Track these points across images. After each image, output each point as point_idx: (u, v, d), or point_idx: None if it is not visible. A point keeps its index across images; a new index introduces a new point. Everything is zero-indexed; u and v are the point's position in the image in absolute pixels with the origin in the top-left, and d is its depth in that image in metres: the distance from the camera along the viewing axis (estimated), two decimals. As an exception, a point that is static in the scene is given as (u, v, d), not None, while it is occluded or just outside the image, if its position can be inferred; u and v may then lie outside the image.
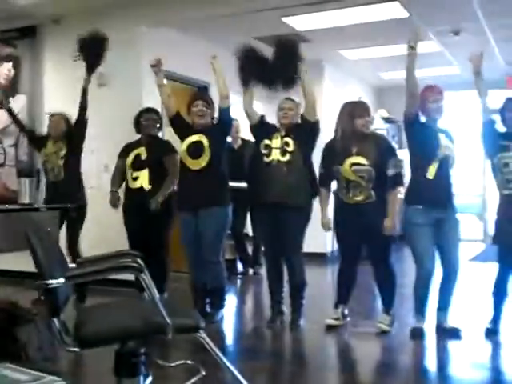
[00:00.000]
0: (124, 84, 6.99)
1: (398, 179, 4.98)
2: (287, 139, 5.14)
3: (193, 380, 2.70)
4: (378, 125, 9.91)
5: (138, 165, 5.83)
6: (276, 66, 5.08)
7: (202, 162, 5.25)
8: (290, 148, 5.11)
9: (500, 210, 4.89)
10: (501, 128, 4.95)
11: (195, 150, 5.28)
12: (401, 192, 5.05)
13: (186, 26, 7.31)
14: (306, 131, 5.14)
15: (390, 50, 8.61)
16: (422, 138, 4.84)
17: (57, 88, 7.49)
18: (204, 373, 2.71)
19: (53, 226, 5.29)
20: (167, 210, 5.75)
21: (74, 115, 6.07)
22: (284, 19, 7.12)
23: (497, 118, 4.94)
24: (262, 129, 5.33)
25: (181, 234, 5.50)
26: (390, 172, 4.91)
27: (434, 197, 4.78)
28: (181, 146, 5.40)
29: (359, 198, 4.94)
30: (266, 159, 5.16)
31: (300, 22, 7.32)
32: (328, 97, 9.26)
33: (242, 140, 7.91)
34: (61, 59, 7.29)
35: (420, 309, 4.98)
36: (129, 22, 6.91)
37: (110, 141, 6.63)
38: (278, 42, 5.15)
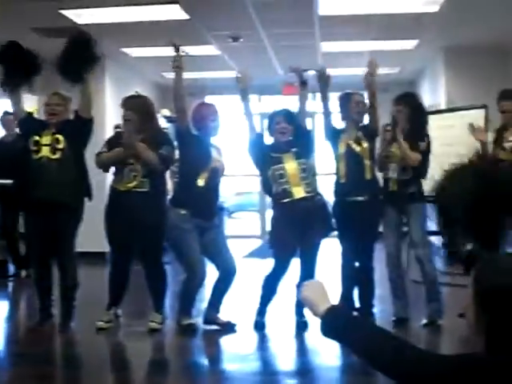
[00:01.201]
0: None
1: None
2: (58, 136, 4.98)
3: None
4: (162, 123, 9.94)
5: None
6: (64, 60, 4.90)
7: None
8: (61, 145, 4.97)
9: (277, 217, 5.12)
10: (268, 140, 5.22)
11: None
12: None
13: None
14: (78, 128, 5.02)
15: (173, 50, 8.66)
16: (195, 149, 4.96)
17: None
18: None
19: None
20: None
21: None
22: (63, 11, 6.89)
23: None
24: (30, 124, 5.13)
25: None
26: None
27: (202, 204, 4.91)
28: None
29: (131, 185, 4.88)
30: (35, 156, 4.98)
31: (80, 16, 7.13)
32: (110, 93, 9.13)
33: (18, 135, 7.53)
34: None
35: (189, 309, 5.05)
36: None
37: None
38: (71, 36, 4.99)
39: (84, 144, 5.10)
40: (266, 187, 5.20)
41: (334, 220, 5.24)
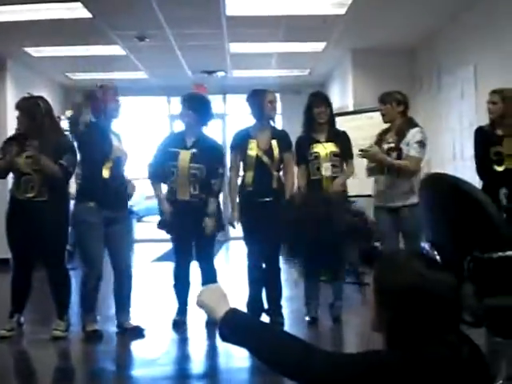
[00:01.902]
0: None
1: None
2: None
3: None
4: (65, 126, 9.67)
5: None
6: None
7: None
8: None
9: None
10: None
11: None
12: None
13: None
14: None
15: (77, 50, 8.46)
16: (95, 141, 4.81)
17: None
18: None
19: None
20: None
21: None
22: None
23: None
24: None
25: None
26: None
27: (109, 195, 4.79)
28: None
29: (29, 195, 4.75)
30: None
31: (-22, 14, 6.84)
32: (12, 94, 8.79)
33: None
34: None
35: (92, 313, 4.91)
36: None
37: None
38: None
39: None
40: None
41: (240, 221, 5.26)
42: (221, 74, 10.38)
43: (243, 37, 8.11)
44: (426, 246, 1.77)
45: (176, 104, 11.50)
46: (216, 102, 11.71)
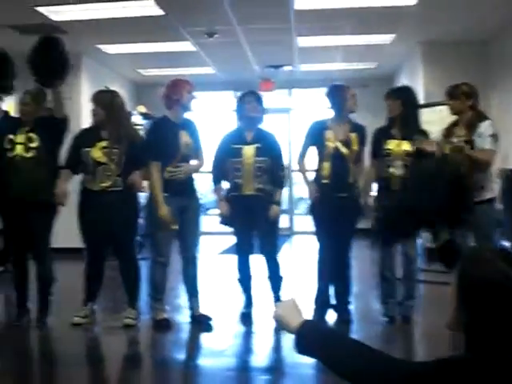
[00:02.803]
0: None
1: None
2: (31, 134, 4.98)
3: None
4: (137, 120, 9.93)
5: None
6: (32, 62, 4.83)
7: None
8: (34, 144, 4.96)
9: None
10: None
11: None
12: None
13: None
14: (52, 127, 4.99)
15: (148, 46, 8.68)
16: (165, 134, 4.98)
17: None
18: None
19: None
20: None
21: None
22: (38, 8, 6.86)
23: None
24: (5, 123, 5.12)
25: None
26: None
27: (177, 185, 4.94)
28: None
29: (105, 184, 4.89)
30: (9, 154, 4.97)
31: (55, 13, 7.10)
32: (87, 90, 9.07)
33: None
34: None
35: (161, 301, 5.06)
36: None
37: None
38: (40, 39, 4.90)
39: (59, 142, 5.08)
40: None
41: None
42: (287, 68, 10.40)
43: (311, 31, 8.11)
44: (506, 244, 1.69)
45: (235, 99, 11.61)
46: (282, 97, 11.77)
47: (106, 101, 4.99)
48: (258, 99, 5.34)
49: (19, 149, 4.95)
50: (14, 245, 5.22)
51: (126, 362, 4.52)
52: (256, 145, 5.19)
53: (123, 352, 4.74)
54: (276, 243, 5.47)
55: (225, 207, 5.24)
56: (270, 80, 10.76)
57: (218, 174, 5.31)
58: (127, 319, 5.01)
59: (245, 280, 5.39)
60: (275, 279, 5.31)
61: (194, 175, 5.17)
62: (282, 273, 5.34)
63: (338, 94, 5.16)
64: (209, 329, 5.03)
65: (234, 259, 5.49)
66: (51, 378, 4.04)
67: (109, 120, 4.93)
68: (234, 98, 11.75)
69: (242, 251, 5.38)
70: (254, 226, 5.24)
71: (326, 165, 5.05)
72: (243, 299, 5.42)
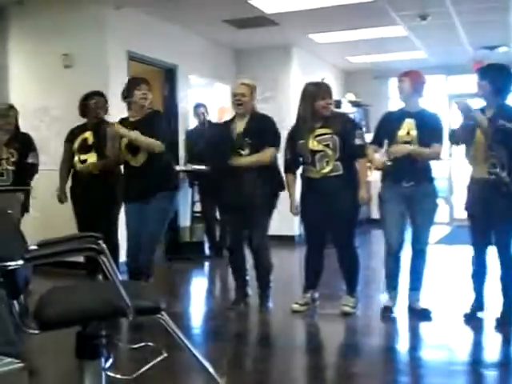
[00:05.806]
0: (90, 66, 6.88)
1: (363, 150, 4.97)
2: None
3: (154, 362, 2.68)
4: (346, 109, 9.94)
5: (85, 149, 5.64)
6: None
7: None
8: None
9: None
10: None
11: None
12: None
13: (153, 7, 7.22)
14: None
15: (357, 33, 8.61)
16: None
17: (22, 71, 7.35)
18: (165, 354, 2.70)
19: (15, 208, 5.32)
20: (113, 195, 5.54)
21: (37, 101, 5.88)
22: (251, 2, 7.07)
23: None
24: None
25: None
26: (358, 141, 4.93)
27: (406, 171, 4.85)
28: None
29: (326, 170, 4.90)
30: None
31: (268, 5, 7.28)
32: (296, 81, 9.24)
33: (209, 123, 7.94)
34: (25, 39, 7.18)
35: (387, 285, 5.05)
36: (95, 3, 6.81)
37: (74, 123, 6.50)
38: None
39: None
40: None
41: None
42: (503, 49, 9.82)
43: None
44: None
45: (455, 82, 11.20)
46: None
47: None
48: None
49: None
50: (233, 232, 5.41)
51: (344, 349, 4.51)
52: None
53: (341, 340, 4.75)
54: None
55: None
56: (484, 62, 10.21)
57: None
58: (345, 307, 5.02)
59: (477, 276, 4.84)
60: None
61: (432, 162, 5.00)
62: None
63: None
64: (428, 321, 4.88)
65: (449, 250, 5.24)
66: (266, 360, 4.12)
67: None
68: (445, 81, 11.39)
69: (479, 244, 4.83)
70: (491, 217, 4.66)
71: None
72: (473, 297, 4.91)
